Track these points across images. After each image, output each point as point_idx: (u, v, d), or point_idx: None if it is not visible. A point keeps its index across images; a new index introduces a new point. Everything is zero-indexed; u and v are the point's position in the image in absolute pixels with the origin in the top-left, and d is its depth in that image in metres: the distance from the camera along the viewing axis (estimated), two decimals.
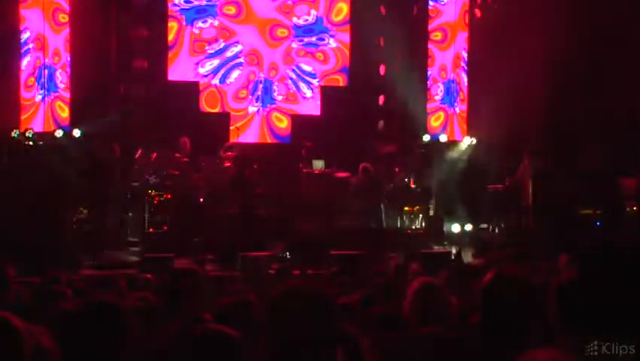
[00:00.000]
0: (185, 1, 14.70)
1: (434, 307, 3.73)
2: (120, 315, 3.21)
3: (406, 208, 13.48)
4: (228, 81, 14.92)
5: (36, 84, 13.26)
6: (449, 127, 15.06)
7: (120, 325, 3.19)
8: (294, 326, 2.32)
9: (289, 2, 15.08)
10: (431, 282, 3.94)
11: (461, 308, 4.08)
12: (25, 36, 13.21)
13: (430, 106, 15.17)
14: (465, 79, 15.14)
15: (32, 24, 13.23)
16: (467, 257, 11.76)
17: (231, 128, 14.67)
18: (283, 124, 15.14)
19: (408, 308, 3.78)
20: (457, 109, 15.14)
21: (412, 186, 14.10)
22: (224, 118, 14.86)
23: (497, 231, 13.51)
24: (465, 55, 15.13)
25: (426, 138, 14.65)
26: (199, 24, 14.77)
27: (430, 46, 15.13)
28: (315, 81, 15.26)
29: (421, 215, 13.66)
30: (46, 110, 13.32)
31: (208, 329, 2.62)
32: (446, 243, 13.37)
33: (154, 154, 13.11)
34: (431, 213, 13.86)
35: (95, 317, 3.20)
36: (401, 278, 6.79)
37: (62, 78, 13.48)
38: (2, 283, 4.08)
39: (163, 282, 4.42)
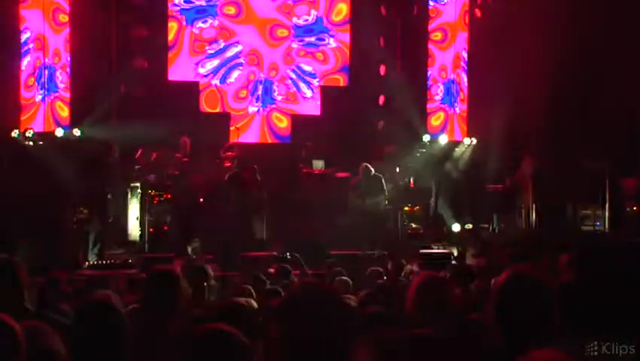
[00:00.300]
0: (185, 1, 14.70)
1: (438, 302, 3.69)
2: (118, 315, 3.21)
3: (406, 208, 13.47)
4: (228, 81, 14.92)
5: (36, 84, 13.26)
6: (449, 127, 15.06)
7: (117, 325, 3.19)
8: (309, 326, 2.33)
9: (289, 2, 15.08)
10: (436, 276, 3.92)
11: (460, 308, 4.08)
12: (25, 36, 13.21)
13: (430, 106, 15.17)
14: (465, 79, 15.14)
15: (32, 24, 13.23)
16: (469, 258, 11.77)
17: (231, 129, 14.65)
18: (283, 124, 15.15)
19: (411, 302, 3.75)
20: (457, 109, 15.14)
21: (412, 186, 14.09)
22: (224, 118, 14.85)
23: (497, 231, 13.51)
24: (465, 55, 15.13)
25: (426, 138, 14.65)
26: (199, 24, 14.77)
27: (430, 46, 15.14)
28: (315, 81, 15.26)
29: (421, 215, 13.64)
30: (46, 110, 13.32)
31: (208, 329, 2.61)
32: (446, 243, 13.37)
33: (154, 154, 13.10)
34: (431, 213, 13.85)
35: (93, 317, 3.20)
36: (401, 278, 6.78)
37: (62, 78, 13.48)
38: (14, 282, 4.05)
39: (142, 283, 4.42)
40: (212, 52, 14.83)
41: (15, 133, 12.76)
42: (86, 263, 11.16)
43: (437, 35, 15.15)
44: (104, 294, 3.66)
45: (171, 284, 3.95)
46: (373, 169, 12.93)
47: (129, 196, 12.62)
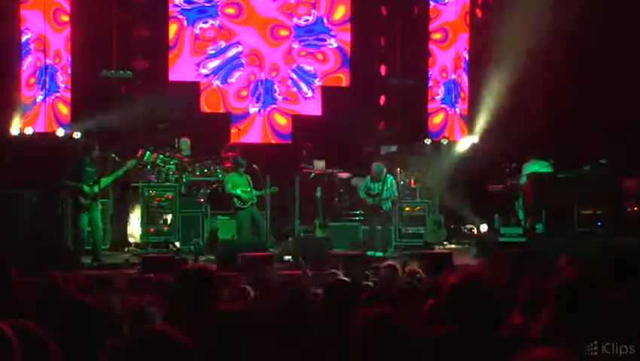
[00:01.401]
0: (186, 2, 14.69)
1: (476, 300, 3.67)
2: (96, 316, 3.21)
3: (406, 208, 13.46)
4: (229, 81, 14.92)
5: (37, 84, 13.27)
6: (450, 127, 15.06)
7: (96, 326, 3.19)
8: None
9: (290, 2, 15.06)
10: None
11: None
12: (26, 37, 13.22)
13: (430, 106, 15.18)
14: (466, 79, 15.14)
15: (32, 25, 13.24)
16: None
17: (232, 131, 14.63)
18: (284, 122, 15.16)
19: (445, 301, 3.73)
20: (457, 109, 15.14)
21: (413, 186, 14.08)
22: (225, 118, 14.85)
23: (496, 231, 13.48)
24: (466, 55, 15.13)
25: (426, 138, 14.65)
26: (200, 24, 14.77)
27: (431, 46, 15.14)
28: (315, 81, 15.26)
29: (421, 215, 13.62)
30: (47, 110, 13.33)
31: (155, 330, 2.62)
32: (445, 243, 13.36)
33: (155, 154, 13.10)
34: (432, 213, 13.83)
35: (75, 318, 3.21)
36: (400, 278, 6.78)
37: (62, 78, 13.49)
38: (4, 282, 4.06)
39: (179, 283, 4.32)
40: (213, 52, 14.83)
41: (15, 133, 12.76)
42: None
43: (438, 35, 15.15)
44: (87, 295, 3.66)
45: (207, 284, 3.92)
46: (385, 168, 12.81)
47: (129, 196, 12.62)
